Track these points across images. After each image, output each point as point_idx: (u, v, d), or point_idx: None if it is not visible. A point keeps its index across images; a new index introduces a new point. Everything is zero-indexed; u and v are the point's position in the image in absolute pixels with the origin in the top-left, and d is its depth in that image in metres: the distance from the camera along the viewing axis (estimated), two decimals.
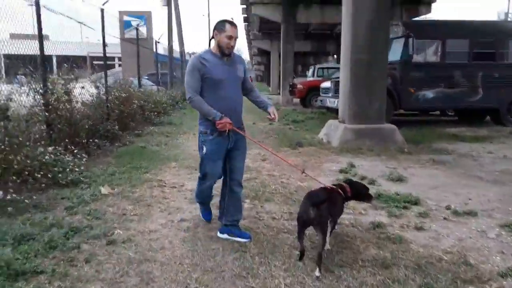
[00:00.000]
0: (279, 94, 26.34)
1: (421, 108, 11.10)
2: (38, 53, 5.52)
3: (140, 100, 9.78)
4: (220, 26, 3.10)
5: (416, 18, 17.91)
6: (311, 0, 18.37)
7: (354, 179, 5.29)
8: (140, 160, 6.10)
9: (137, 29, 11.75)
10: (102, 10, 8.22)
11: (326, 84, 14.09)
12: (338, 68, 19.26)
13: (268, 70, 41.35)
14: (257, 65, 64.60)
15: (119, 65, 28.06)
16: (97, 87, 7.76)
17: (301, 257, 2.91)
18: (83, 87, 6.97)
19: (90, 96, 7.42)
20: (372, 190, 4.62)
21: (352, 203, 4.15)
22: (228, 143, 3.23)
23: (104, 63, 8.31)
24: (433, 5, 18.52)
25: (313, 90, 16.65)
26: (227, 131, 3.13)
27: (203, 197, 3.56)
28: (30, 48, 5.56)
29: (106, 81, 8.32)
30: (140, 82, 11.81)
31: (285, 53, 19.45)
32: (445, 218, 3.83)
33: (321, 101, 13.93)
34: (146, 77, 22.29)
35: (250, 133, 9.79)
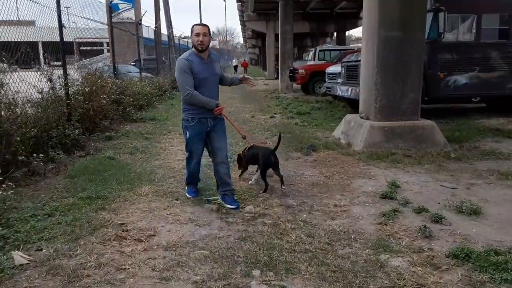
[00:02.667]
0: (276, 79, 24.51)
1: (451, 97, 9.33)
2: None
3: (112, 94, 7.97)
4: (191, 29, 3.69)
5: None
6: None
7: (408, 210, 3.67)
8: (99, 183, 4.37)
9: (110, 8, 9.82)
10: None
11: (334, 68, 12.30)
12: (340, 50, 17.51)
13: (264, 53, 39.26)
14: (251, 48, 62.29)
15: (108, 51, 26.03)
16: (50, 80, 5.96)
17: (265, 189, 4.16)
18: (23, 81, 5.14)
19: (39, 92, 5.62)
20: (449, 240, 2.99)
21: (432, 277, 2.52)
22: (207, 127, 3.81)
23: (61, 48, 6.47)
24: None
25: (317, 75, 14.87)
26: (207, 118, 3.75)
27: (192, 175, 4.05)
28: None
29: (65, 71, 6.52)
30: (115, 71, 9.93)
31: (284, 34, 17.50)
32: None
33: (328, 88, 12.15)
34: (133, 63, 20.35)
35: (249, 129, 8.15)
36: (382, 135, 6.11)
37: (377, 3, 6.04)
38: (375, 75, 6.24)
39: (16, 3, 5.83)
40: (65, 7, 7.33)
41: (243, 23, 40.72)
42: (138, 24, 14.20)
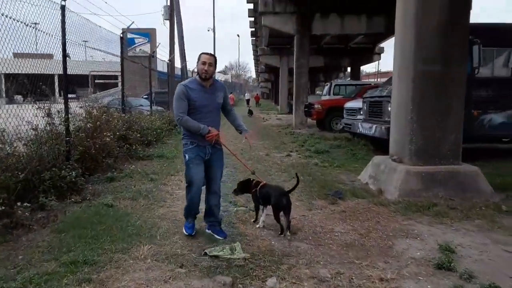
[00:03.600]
0: (289, 113, 24.00)
1: (486, 137, 8.53)
2: None
3: (118, 130, 7.39)
4: (198, 56, 3.79)
5: None
6: (329, 9, 16.09)
7: None
8: (90, 241, 3.65)
9: (121, 39, 9.43)
10: (63, 7, 5.92)
11: (353, 104, 11.71)
12: (357, 85, 16.97)
13: (276, 87, 39.15)
14: (264, 82, 62.62)
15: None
16: (48, 115, 5.39)
17: (281, 232, 3.95)
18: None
19: (33, 129, 5.04)
20: None
21: None
22: (205, 154, 3.86)
23: (64, 80, 5.95)
24: None
25: (334, 110, 14.27)
26: (205, 146, 3.82)
27: (192, 207, 3.92)
28: None
29: (66, 105, 5.97)
30: (124, 106, 9.42)
31: (299, 68, 17.04)
32: None
33: (347, 125, 11.47)
34: (145, 96, 20.09)
35: (264, 169, 7.44)
36: (420, 182, 5.33)
37: (413, 36, 5.43)
38: (409, 113, 5.54)
39: (35, 37, 5.74)
40: (83, 40, 7.47)
41: (256, 58, 40.95)
42: (151, 56, 13.89)
